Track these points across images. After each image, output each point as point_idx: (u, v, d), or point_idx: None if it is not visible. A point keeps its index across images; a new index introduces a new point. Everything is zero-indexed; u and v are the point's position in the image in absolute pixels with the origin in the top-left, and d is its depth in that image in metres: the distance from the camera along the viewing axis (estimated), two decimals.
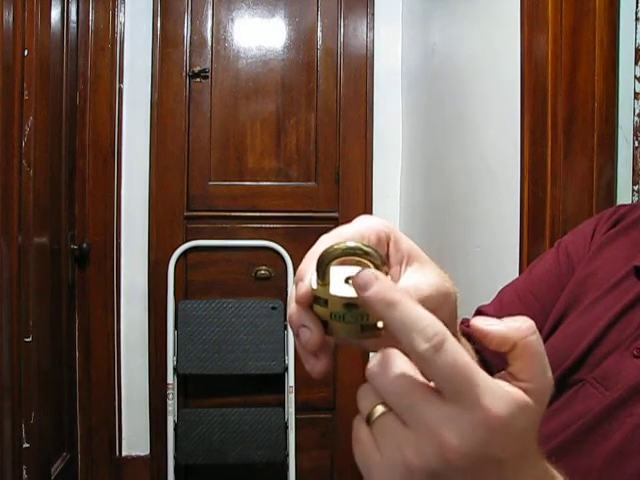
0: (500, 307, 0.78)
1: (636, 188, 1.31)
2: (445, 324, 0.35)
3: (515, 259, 1.47)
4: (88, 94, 2.27)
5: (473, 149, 1.82)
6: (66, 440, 2.19)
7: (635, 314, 0.64)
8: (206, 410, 2.34)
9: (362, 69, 2.54)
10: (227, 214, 2.48)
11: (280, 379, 2.40)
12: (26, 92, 1.60)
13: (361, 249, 0.39)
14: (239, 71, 2.50)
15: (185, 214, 2.46)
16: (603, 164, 1.33)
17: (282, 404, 2.38)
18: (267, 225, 2.50)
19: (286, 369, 2.36)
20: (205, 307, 2.36)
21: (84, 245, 2.23)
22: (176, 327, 2.35)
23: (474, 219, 1.81)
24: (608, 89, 1.32)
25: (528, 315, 0.38)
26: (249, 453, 2.32)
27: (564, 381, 0.64)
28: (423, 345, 0.34)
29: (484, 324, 0.37)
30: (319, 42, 2.53)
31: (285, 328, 2.36)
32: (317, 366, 0.40)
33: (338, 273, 0.39)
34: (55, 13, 1.95)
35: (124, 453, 2.44)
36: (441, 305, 0.43)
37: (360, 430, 0.37)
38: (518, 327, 0.36)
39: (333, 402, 2.53)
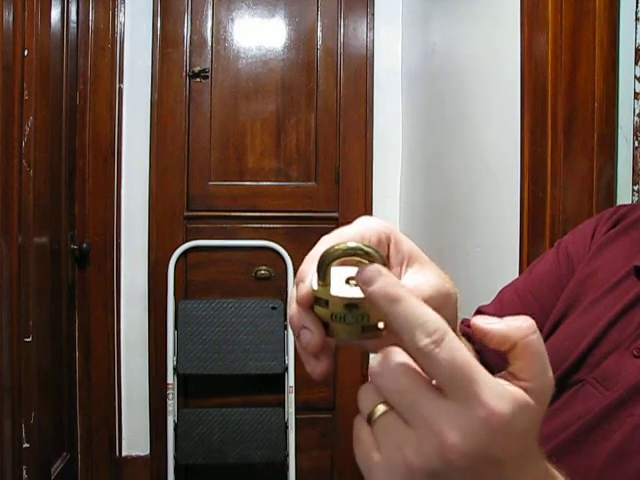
0: (500, 307, 0.78)
1: (636, 188, 1.31)
2: None
3: (515, 259, 1.47)
4: (88, 94, 2.27)
5: (473, 149, 1.82)
6: (66, 440, 2.19)
7: (635, 314, 0.64)
8: (206, 410, 2.34)
9: (362, 69, 2.54)
10: (227, 214, 2.48)
11: (280, 379, 2.40)
12: (26, 92, 1.60)
13: (362, 249, 0.39)
14: (239, 71, 2.50)
15: (185, 214, 2.46)
16: (603, 164, 1.33)
17: (282, 404, 2.38)
18: (267, 225, 2.49)
19: (286, 369, 2.36)
20: (205, 307, 2.36)
21: (84, 245, 2.23)
22: (176, 327, 2.35)
23: (474, 219, 1.81)
24: (608, 89, 1.32)
25: (528, 315, 0.38)
26: (249, 453, 2.32)
27: (564, 381, 0.64)
28: (423, 340, 0.34)
29: (484, 323, 0.37)
30: (319, 42, 2.53)
31: (285, 328, 2.36)
32: (318, 367, 0.40)
33: (339, 274, 0.39)
34: (55, 13, 1.95)
35: (124, 453, 2.44)
36: (442, 306, 0.43)
37: (361, 430, 0.37)
38: (519, 326, 0.36)
39: (333, 402, 2.53)
